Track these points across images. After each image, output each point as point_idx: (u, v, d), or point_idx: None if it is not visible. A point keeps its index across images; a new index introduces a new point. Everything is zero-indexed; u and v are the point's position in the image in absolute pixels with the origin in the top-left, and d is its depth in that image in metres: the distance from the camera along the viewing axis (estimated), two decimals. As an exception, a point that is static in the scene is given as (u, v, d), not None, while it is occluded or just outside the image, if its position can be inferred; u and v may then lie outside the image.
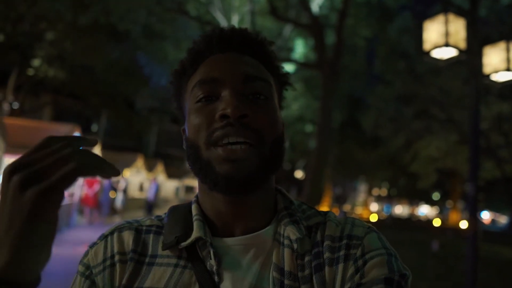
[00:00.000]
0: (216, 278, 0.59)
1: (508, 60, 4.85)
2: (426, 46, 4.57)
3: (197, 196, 0.69)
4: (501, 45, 4.87)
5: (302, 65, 7.23)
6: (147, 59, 13.22)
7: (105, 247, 0.65)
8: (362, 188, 40.00)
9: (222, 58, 0.65)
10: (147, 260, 0.63)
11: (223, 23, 10.25)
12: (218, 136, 0.58)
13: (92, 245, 0.67)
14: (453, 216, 26.69)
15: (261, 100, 0.62)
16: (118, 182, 14.31)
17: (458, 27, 4.31)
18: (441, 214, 40.07)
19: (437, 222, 23.87)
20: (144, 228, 0.68)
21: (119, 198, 14.08)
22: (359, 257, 0.59)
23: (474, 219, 5.00)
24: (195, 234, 0.61)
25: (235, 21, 10.82)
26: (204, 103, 0.61)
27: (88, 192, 11.44)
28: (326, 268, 0.59)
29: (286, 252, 0.60)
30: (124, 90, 16.95)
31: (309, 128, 17.65)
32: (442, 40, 4.27)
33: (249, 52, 0.67)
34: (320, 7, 9.19)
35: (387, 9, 11.36)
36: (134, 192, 17.37)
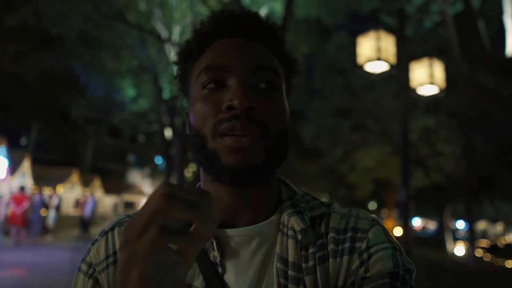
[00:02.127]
0: (219, 269, 0.59)
1: (431, 75, 5.28)
2: (360, 60, 4.85)
3: (199, 186, 0.67)
4: (425, 61, 5.30)
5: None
6: (83, 67, 12.60)
7: (107, 244, 0.64)
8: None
9: (231, 43, 0.63)
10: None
11: (164, 34, 10.10)
12: (224, 128, 0.56)
13: (93, 242, 0.66)
14: (388, 223, 28.15)
15: (269, 90, 0.61)
16: (50, 198, 13.37)
17: (388, 44, 4.63)
18: (377, 223, 42.17)
19: (373, 230, 24.99)
20: None
21: (51, 215, 13.14)
22: (364, 251, 0.59)
23: (406, 224, 5.32)
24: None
25: (176, 33, 10.71)
26: (211, 90, 0.60)
27: (15, 210, 10.53)
28: (330, 260, 0.59)
29: (290, 243, 0.60)
30: (57, 100, 15.97)
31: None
32: (374, 55, 4.56)
33: (258, 38, 0.64)
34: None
35: (325, 27, 11.93)
36: (68, 209, 16.30)
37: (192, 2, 9.87)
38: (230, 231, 0.61)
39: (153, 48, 11.46)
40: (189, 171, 21.02)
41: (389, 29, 5.44)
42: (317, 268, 0.59)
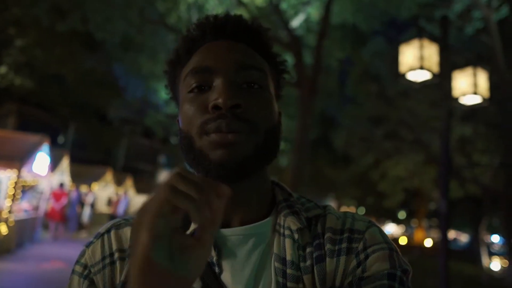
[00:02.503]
0: (216, 269, 0.59)
1: (475, 84, 5.15)
2: (402, 68, 4.78)
3: None
4: (469, 71, 5.17)
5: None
6: (122, 70, 13.00)
7: (103, 245, 0.64)
8: (332, 205, 40.52)
9: (215, 46, 0.63)
10: None
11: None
12: (210, 128, 0.57)
13: (88, 244, 0.66)
14: (418, 234, 27.39)
15: (255, 89, 0.61)
16: (85, 195, 13.84)
17: (431, 52, 4.55)
18: (406, 233, 41.02)
19: (403, 240, 24.42)
20: None
21: (86, 212, 13.59)
22: (361, 251, 0.59)
23: (445, 236, 5.19)
24: (193, 225, 0.60)
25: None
26: (197, 93, 0.60)
27: (54, 206, 10.96)
28: (327, 260, 0.59)
29: (287, 242, 0.60)
30: (95, 101, 16.57)
31: (282, 146, 17.78)
32: (417, 64, 4.49)
33: (243, 39, 0.65)
34: (297, 28, 9.45)
35: (361, 33, 11.80)
36: (102, 207, 16.81)
37: (228, 6, 10.03)
38: (227, 231, 0.61)
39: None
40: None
41: (432, 37, 5.34)
42: (315, 267, 0.59)
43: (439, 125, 9.91)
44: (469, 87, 5.15)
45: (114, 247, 0.64)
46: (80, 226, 13.28)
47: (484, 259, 14.62)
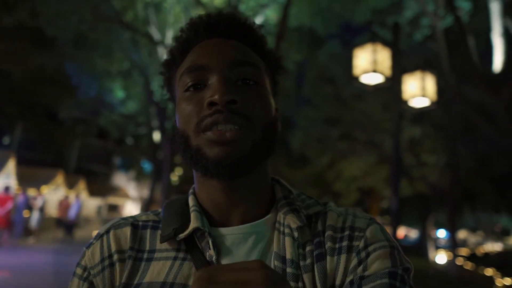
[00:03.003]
0: None
1: (423, 88, 5.44)
2: (356, 71, 4.96)
3: (193, 188, 0.67)
4: (418, 74, 5.46)
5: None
6: (74, 68, 12.46)
7: (102, 247, 0.63)
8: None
9: (209, 45, 0.63)
10: (145, 256, 0.62)
11: (157, 37, 10.11)
12: (207, 124, 0.57)
13: (88, 246, 0.65)
14: (371, 232, 28.40)
15: (250, 85, 0.61)
16: (34, 199, 13.12)
17: (384, 56, 4.76)
18: (360, 231, 42.44)
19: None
20: (140, 223, 0.66)
21: (34, 217, 12.87)
22: (362, 249, 0.58)
23: (395, 233, 5.44)
24: (192, 225, 0.60)
25: (169, 36, 10.73)
26: (193, 91, 0.60)
27: (-1, 211, 10.29)
28: (328, 258, 0.59)
29: (287, 240, 0.59)
30: (45, 99, 15.71)
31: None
32: (370, 67, 4.68)
33: (236, 36, 0.65)
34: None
35: (317, 36, 12.09)
36: (52, 211, 16.01)
37: (186, 6, 9.92)
38: (226, 230, 0.60)
39: (145, 51, 11.45)
40: (176, 175, 20.91)
41: (384, 42, 5.59)
42: (315, 266, 0.58)
43: (390, 126, 10.38)
44: (418, 90, 5.43)
45: (113, 248, 0.63)
46: (28, 232, 12.56)
47: (431, 253, 15.43)
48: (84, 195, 18.74)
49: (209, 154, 0.56)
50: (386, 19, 8.77)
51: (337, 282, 0.57)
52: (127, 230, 0.64)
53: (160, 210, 0.70)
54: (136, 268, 0.60)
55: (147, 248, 0.63)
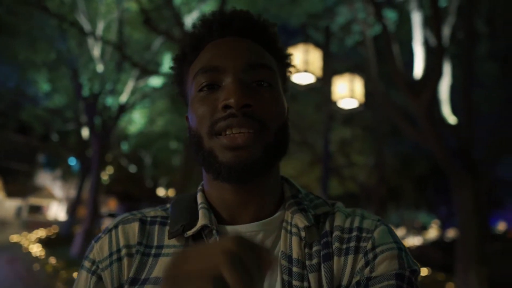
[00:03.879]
0: None
1: (352, 90, 5.67)
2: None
3: (202, 185, 0.68)
4: (347, 77, 5.67)
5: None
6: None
7: (110, 241, 0.64)
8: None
9: (223, 44, 0.63)
10: (153, 251, 0.62)
11: (87, 27, 9.53)
12: (221, 127, 0.57)
13: (96, 240, 0.66)
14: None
15: (264, 87, 0.61)
16: None
17: (315, 57, 4.89)
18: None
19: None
20: (148, 219, 0.67)
21: None
22: (369, 251, 0.58)
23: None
24: (200, 222, 0.60)
25: (100, 27, 10.17)
26: (207, 91, 0.60)
27: None
28: (335, 258, 0.59)
29: (294, 240, 0.60)
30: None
31: (173, 144, 17.34)
32: (302, 67, 4.78)
33: (250, 36, 0.65)
34: (190, 25, 9.35)
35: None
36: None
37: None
38: (234, 228, 0.61)
39: (74, 42, 10.73)
40: (106, 174, 19.87)
41: (316, 43, 5.75)
42: (322, 266, 0.58)
43: (322, 127, 10.78)
44: (347, 91, 5.64)
45: (122, 243, 0.63)
46: None
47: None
48: (0, 195, 17.12)
49: (222, 159, 0.57)
50: (320, 23, 9.09)
51: (344, 282, 0.58)
52: (136, 225, 0.65)
53: (168, 205, 0.70)
54: (144, 263, 0.61)
55: (155, 243, 0.63)
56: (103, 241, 0.65)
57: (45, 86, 12.96)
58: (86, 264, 0.63)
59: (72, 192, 20.99)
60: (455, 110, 6.46)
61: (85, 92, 11.15)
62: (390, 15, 8.15)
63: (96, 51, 10.60)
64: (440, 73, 5.10)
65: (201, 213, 0.62)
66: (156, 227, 0.65)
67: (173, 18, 6.27)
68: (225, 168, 0.57)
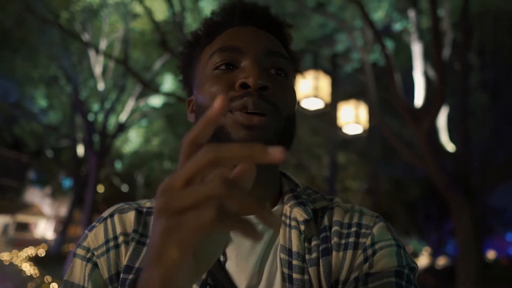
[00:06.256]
0: (221, 257, 0.58)
1: (357, 115, 5.82)
2: (298, 96, 5.12)
3: None
4: (352, 103, 5.83)
5: (178, 99, 7.15)
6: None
7: (106, 229, 0.63)
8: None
9: (244, 30, 0.64)
10: (148, 241, 0.61)
11: (90, 45, 9.63)
12: (236, 105, 0.56)
13: (90, 229, 0.65)
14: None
15: (281, 76, 0.62)
16: None
17: (325, 83, 5.04)
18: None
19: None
20: (144, 209, 0.66)
21: None
22: (368, 247, 0.59)
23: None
24: None
25: (103, 45, 10.29)
26: (223, 70, 0.60)
27: None
28: (334, 253, 0.59)
29: (293, 233, 0.60)
30: None
31: (167, 165, 17.23)
32: (312, 93, 4.92)
33: (269, 29, 0.66)
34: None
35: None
36: None
37: (124, 17, 9.62)
38: None
39: (76, 57, 10.80)
40: (97, 192, 19.54)
41: (324, 70, 5.92)
42: (320, 260, 0.58)
43: (318, 151, 10.90)
44: (352, 117, 5.79)
45: (118, 230, 0.62)
46: None
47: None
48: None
49: (234, 136, 0.56)
50: (320, 50, 9.33)
51: (342, 277, 0.58)
52: (132, 215, 0.64)
53: None
54: (138, 251, 0.60)
55: (150, 234, 0.61)
56: (97, 229, 0.64)
57: (42, 102, 12.92)
58: (80, 251, 0.62)
59: (62, 210, 20.56)
60: (451, 138, 6.64)
61: (86, 108, 11.17)
62: (388, 44, 8.42)
63: (98, 69, 10.68)
64: (442, 102, 5.27)
65: None
66: (152, 218, 0.63)
67: (184, 39, 6.41)
68: None
